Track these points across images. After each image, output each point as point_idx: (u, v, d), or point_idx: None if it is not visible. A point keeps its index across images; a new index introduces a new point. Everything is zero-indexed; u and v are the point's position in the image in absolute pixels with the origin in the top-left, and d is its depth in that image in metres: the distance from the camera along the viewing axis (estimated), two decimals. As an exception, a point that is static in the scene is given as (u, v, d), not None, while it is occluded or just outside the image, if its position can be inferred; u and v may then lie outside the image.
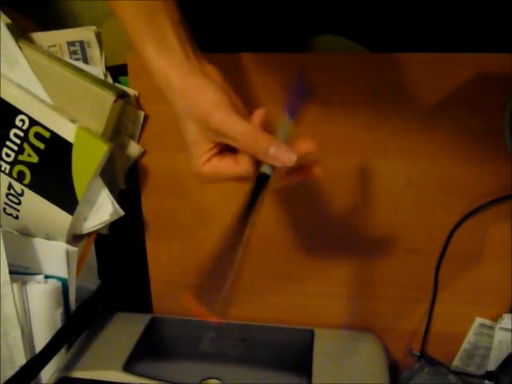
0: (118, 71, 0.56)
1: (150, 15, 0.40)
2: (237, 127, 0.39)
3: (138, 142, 0.58)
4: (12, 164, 0.54)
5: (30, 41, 0.54)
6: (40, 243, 0.57)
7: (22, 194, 0.55)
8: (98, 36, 0.54)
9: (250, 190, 0.40)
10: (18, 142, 0.53)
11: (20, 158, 0.54)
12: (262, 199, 0.40)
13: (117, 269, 0.64)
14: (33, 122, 0.53)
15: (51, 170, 0.54)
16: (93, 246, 0.61)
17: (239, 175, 0.40)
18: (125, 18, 0.41)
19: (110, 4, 0.42)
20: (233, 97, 0.42)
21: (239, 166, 0.40)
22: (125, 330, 0.60)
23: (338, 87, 0.54)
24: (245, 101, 0.55)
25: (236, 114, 0.39)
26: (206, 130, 0.40)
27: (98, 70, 0.54)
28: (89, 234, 0.59)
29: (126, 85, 0.56)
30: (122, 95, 0.53)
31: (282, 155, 0.38)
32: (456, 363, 0.61)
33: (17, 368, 0.51)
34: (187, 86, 0.40)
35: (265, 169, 0.40)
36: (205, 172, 0.41)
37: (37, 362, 0.53)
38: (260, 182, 0.40)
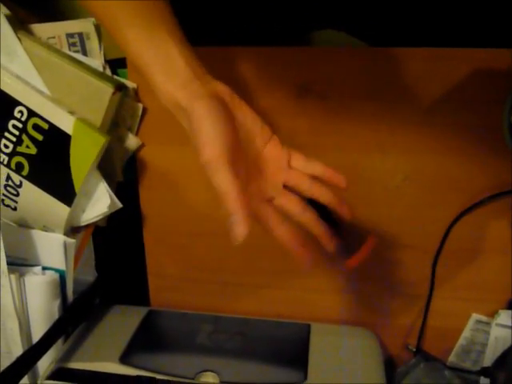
0: (116, 64, 0.56)
1: (151, 36, 0.39)
2: (217, 175, 0.38)
3: (137, 134, 0.58)
4: (10, 155, 0.54)
5: (30, 32, 0.54)
6: (38, 235, 0.57)
7: (20, 186, 0.55)
8: (98, 28, 0.54)
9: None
10: (17, 133, 0.53)
11: (18, 149, 0.54)
12: None
13: (114, 261, 0.64)
14: (31, 114, 0.53)
15: (49, 162, 0.54)
16: (90, 238, 0.61)
17: None
18: (126, 40, 0.39)
19: (107, 28, 0.40)
20: (240, 115, 0.41)
21: None
22: (122, 323, 0.61)
23: (336, 82, 0.54)
24: (243, 95, 0.55)
25: (224, 160, 0.38)
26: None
27: (96, 62, 0.54)
28: (86, 226, 0.59)
29: (125, 77, 0.56)
30: (120, 87, 0.53)
31: (234, 231, 0.38)
32: (452, 359, 0.61)
33: (14, 359, 0.51)
34: (192, 110, 0.39)
35: None
36: None
37: (33, 353, 0.53)
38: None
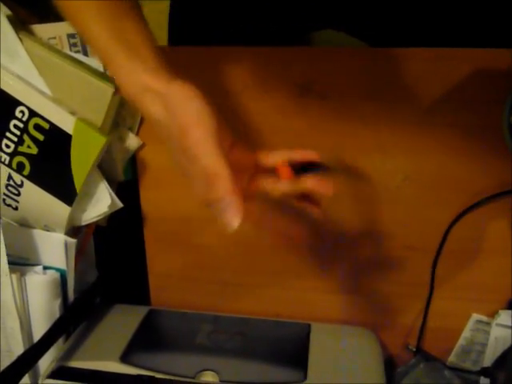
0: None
1: (118, 30, 0.38)
2: (207, 155, 0.35)
3: (137, 134, 0.58)
4: (12, 155, 0.55)
5: (31, 33, 0.54)
6: (39, 234, 0.57)
7: (21, 185, 0.56)
8: (98, 29, 0.54)
9: None
10: (18, 133, 0.54)
11: (20, 149, 0.54)
12: None
13: (115, 261, 0.64)
14: (32, 114, 0.53)
15: (50, 162, 0.54)
16: (91, 237, 0.61)
17: None
18: (90, 30, 0.39)
19: (71, 20, 0.40)
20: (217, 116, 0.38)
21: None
22: (122, 322, 0.61)
23: (336, 82, 0.54)
24: (244, 95, 0.55)
25: (214, 141, 0.35)
26: (175, 150, 0.37)
27: (97, 62, 0.54)
28: (87, 226, 0.59)
29: (126, 77, 0.56)
30: (121, 88, 0.53)
31: (228, 216, 0.35)
32: (452, 359, 0.61)
33: (14, 357, 0.51)
34: (170, 92, 0.36)
35: None
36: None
37: (34, 352, 0.53)
38: None
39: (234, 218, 0.34)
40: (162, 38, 0.65)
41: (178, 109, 0.36)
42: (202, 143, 0.35)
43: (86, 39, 0.40)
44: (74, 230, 0.59)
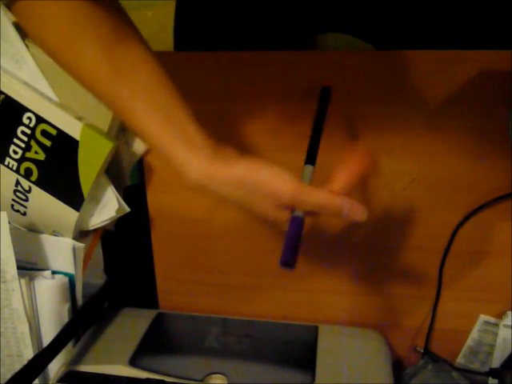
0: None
1: (167, 114, 0.39)
2: (312, 197, 0.40)
3: (144, 139, 0.58)
4: (19, 161, 0.55)
5: (37, 39, 0.54)
6: (47, 239, 0.58)
7: (29, 191, 0.56)
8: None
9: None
10: (25, 139, 0.54)
11: (27, 155, 0.54)
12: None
13: (123, 265, 0.64)
14: (40, 120, 0.53)
15: (58, 167, 0.54)
16: (99, 242, 0.61)
17: None
18: (142, 123, 0.40)
19: (122, 114, 0.40)
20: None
21: None
22: (131, 326, 0.61)
23: (342, 85, 0.54)
24: (250, 99, 0.55)
25: (303, 183, 0.40)
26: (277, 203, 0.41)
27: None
28: (95, 231, 0.59)
29: (132, 82, 0.56)
30: (127, 93, 0.53)
31: (354, 213, 0.40)
32: (460, 360, 0.61)
33: (25, 361, 0.51)
34: (237, 173, 0.40)
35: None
36: None
37: (44, 356, 0.54)
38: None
39: (360, 212, 0.41)
40: (165, 40, 0.65)
41: (257, 180, 0.40)
42: (302, 192, 0.40)
43: (140, 135, 0.41)
44: (81, 235, 0.59)
